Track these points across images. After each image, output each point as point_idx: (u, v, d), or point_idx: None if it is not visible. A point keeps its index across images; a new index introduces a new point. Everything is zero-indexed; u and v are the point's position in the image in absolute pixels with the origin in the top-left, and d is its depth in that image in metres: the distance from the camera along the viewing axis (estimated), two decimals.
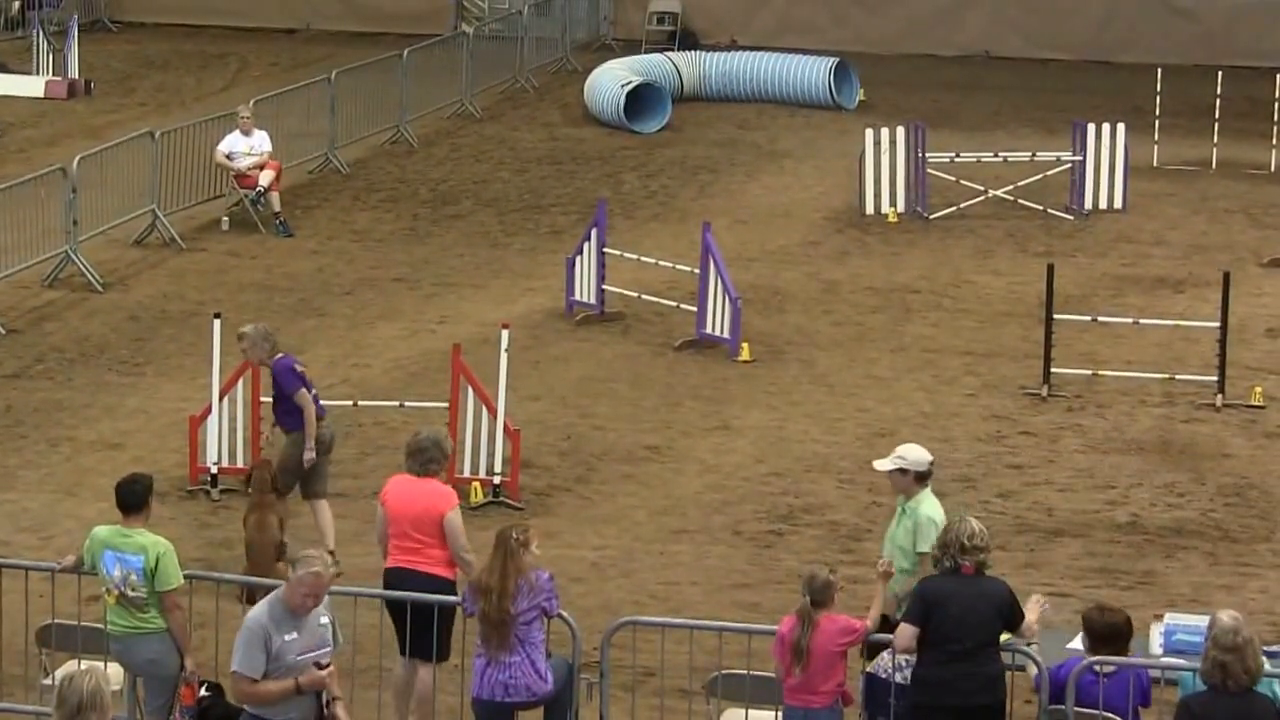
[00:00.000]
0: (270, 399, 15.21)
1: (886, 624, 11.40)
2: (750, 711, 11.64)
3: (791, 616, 11.23)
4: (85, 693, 8.22)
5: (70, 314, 20.97)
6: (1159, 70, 28.53)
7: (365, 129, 28.52)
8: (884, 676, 11.34)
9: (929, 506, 11.93)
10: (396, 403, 17.40)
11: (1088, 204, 25.17)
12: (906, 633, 11.02)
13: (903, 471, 11.98)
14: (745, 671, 11.65)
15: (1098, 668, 11.16)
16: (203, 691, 11.68)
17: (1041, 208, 25.03)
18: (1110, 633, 11.28)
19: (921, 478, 11.97)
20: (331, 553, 14.23)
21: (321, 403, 15.16)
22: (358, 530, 15.44)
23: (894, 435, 17.72)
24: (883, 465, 12.12)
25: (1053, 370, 18.77)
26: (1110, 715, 11.09)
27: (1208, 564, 15.20)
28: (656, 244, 22.95)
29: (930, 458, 12.07)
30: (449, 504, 12.31)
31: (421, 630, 12.07)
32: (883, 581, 11.55)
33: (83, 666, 9.44)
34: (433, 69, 30.79)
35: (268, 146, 24.36)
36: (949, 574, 11.04)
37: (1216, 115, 27.78)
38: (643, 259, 21.08)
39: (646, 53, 34.14)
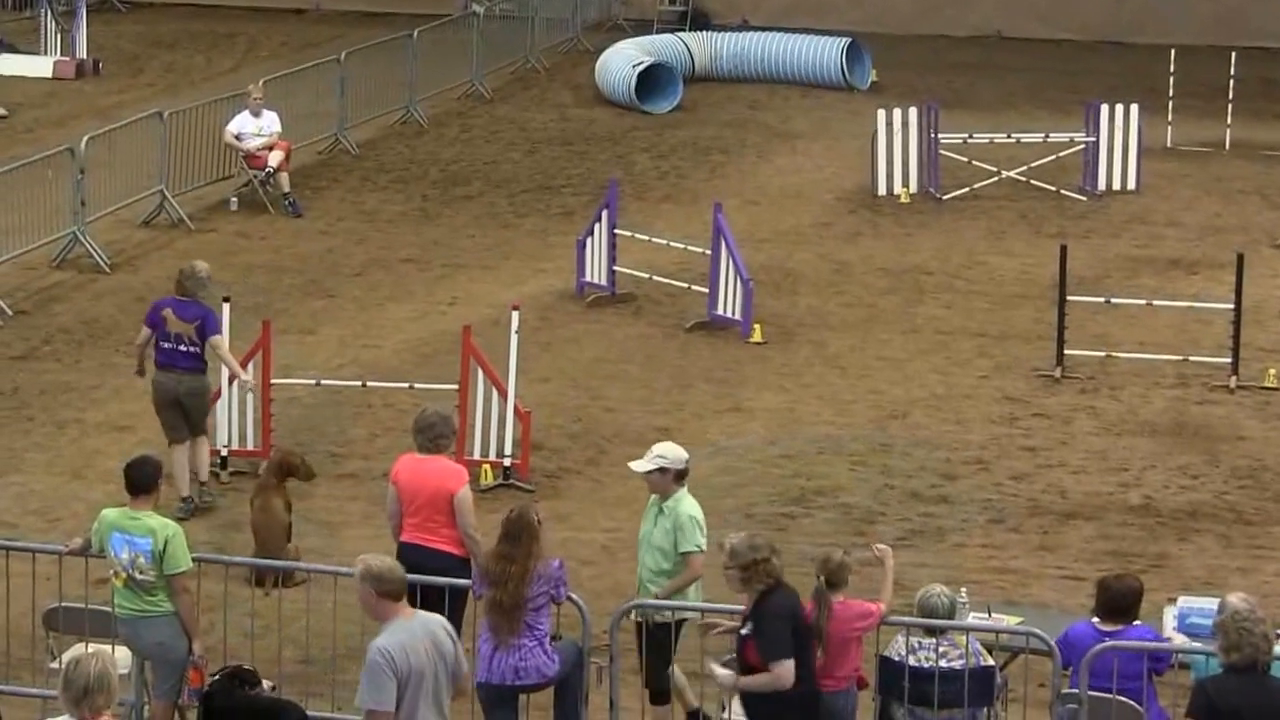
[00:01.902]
0: (180, 346, 15.11)
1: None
2: None
3: (808, 602, 11.14)
4: (91, 676, 8.17)
5: (78, 295, 20.91)
6: (1172, 51, 28.40)
7: (375, 109, 28.43)
8: (898, 659, 11.27)
9: (689, 505, 11.87)
10: (406, 384, 17.31)
11: (1101, 185, 25.08)
12: None
13: (663, 471, 11.87)
14: None
15: (1109, 639, 11.12)
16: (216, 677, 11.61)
17: (1055, 189, 24.93)
18: (1125, 601, 11.24)
19: (680, 476, 11.89)
20: (205, 483, 15.40)
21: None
22: (367, 511, 15.40)
23: (906, 417, 17.68)
24: (640, 466, 11.97)
25: (1066, 352, 18.68)
26: (1123, 699, 11.03)
27: (1221, 547, 15.12)
28: (668, 225, 22.87)
29: (687, 455, 11.96)
30: (460, 482, 12.26)
31: (433, 609, 11.98)
32: (888, 565, 11.44)
33: (90, 650, 9.38)
34: (443, 49, 30.68)
35: (277, 127, 24.27)
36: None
37: (1230, 96, 27.66)
38: (654, 240, 20.99)
39: (658, 33, 34.01)
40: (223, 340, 15.24)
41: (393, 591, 9.75)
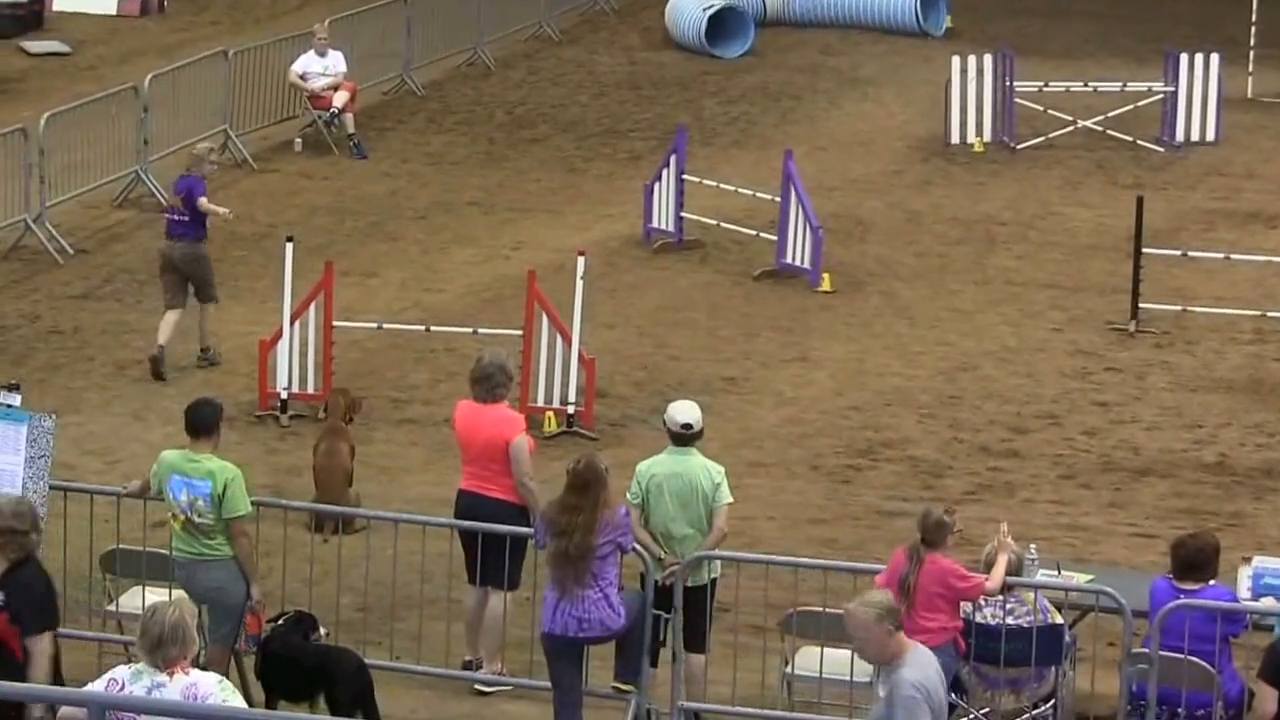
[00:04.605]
0: (173, 216, 16.99)
1: None
2: (825, 649, 11.38)
3: (902, 552, 10.96)
4: (166, 625, 8.10)
5: (140, 234, 20.79)
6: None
7: (441, 50, 28.22)
8: (964, 616, 11.12)
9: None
10: (469, 329, 17.12)
11: (1179, 136, 24.70)
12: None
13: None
14: (821, 609, 11.42)
15: (1184, 598, 11.00)
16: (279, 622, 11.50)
17: (1131, 139, 24.57)
18: (1202, 556, 11.11)
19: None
20: (205, 349, 17.05)
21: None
22: (428, 458, 15.27)
23: (976, 370, 17.44)
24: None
25: (1141, 305, 18.39)
26: (1195, 659, 10.81)
27: None
28: (737, 171, 22.59)
29: (674, 415, 11.78)
30: (515, 430, 12.09)
31: (493, 557, 11.87)
32: (1006, 543, 11.18)
33: (170, 598, 9.32)
34: None
35: (342, 67, 24.12)
36: None
37: None
38: (722, 186, 20.75)
39: None
40: (205, 199, 16.87)
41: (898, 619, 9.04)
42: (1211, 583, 11.10)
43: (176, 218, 16.89)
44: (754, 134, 25.39)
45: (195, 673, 8.11)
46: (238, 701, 8.14)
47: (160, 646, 8.05)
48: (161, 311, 16.95)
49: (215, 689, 8.05)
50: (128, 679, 8.08)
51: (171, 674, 8.06)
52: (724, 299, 19.19)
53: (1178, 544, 11.27)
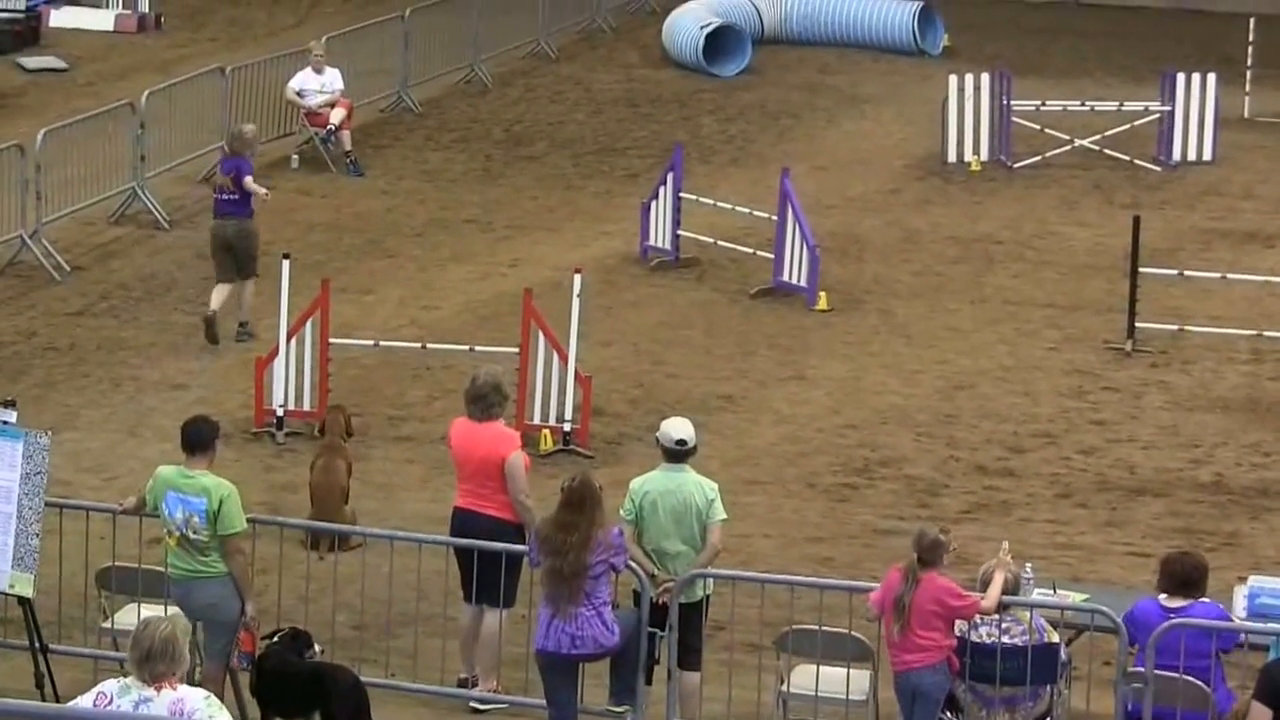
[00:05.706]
0: (222, 195, 17.90)
1: None
2: (821, 668, 11.37)
3: (897, 571, 10.94)
4: (156, 640, 8.08)
5: (136, 251, 20.80)
6: (1251, 19, 27.92)
7: (439, 68, 28.22)
8: (960, 635, 11.11)
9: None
10: (466, 346, 17.10)
11: (1176, 155, 24.69)
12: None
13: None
14: (817, 627, 11.41)
15: (1174, 615, 10.99)
16: (274, 639, 11.48)
17: (1128, 158, 24.56)
18: (1194, 575, 11.11)
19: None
20: (244, 324, 17.87)
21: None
22: (424, 475, 15.25)
23: (973, 389, 17.42)
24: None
25: (1137, 325, 18.38)
26: (1190, 679, 10.81)
27: None
28: (734, 189, 22.59)
29: (667, 432, 11.78)
30: (511, 447, 12.08)
31: (488, 575, 11.86)
32: (1001, 569, 11.17)
33: (166, 614, 9.31)
34: (508, 7, 30.39)
35: (339, 84, 24.11)
36: None
37: None
38: (719, 205, 20.74)
39: None
40: (250, 178, 17.88)
41: None
42: (1202, 599, 11.09)
43: (226, 197, 17.86)
44: (751, 152, 25.38)
45: (183, 688, 8.09)
46: (224, 718, 8.12)
47: (148, 661, 8.04)
48: (212, 287, 17.96)
49: (202, 705, 8.04)
50: (115, 693, 8.08)
51: (159, 689, 8.05)
52: (721, 317, 19.18)
53: (1169, 560, 11.26)
